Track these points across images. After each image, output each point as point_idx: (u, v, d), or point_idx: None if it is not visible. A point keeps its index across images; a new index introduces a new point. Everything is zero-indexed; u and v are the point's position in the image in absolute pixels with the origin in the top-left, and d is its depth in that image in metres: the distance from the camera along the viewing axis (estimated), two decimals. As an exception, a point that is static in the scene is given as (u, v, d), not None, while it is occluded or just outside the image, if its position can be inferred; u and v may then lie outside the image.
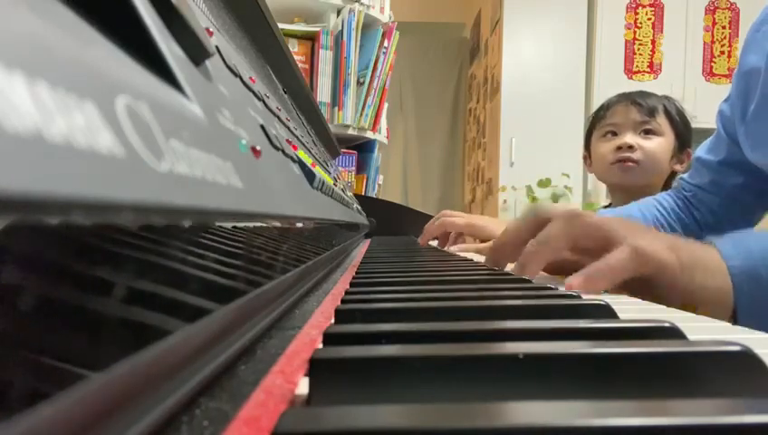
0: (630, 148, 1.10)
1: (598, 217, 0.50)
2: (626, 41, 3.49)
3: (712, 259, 0.49)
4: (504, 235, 0.57)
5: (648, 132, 1.11)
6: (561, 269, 0.57)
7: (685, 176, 1.03)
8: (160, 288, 0.14)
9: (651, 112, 1.11)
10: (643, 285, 0.46)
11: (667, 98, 1.16)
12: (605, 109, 1.18)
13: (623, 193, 1.15)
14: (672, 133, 1.13)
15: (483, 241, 0.98)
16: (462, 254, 0.85)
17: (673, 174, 1.15)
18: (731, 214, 0.92)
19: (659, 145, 1.11)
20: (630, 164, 1.11)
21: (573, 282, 0.43)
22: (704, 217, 0.95)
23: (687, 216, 0.97)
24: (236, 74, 0.32)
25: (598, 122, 1.19)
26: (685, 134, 1.14)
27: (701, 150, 0.97)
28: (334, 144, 1.56)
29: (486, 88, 4.03)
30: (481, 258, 0.83)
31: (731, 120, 0.86)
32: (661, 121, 1.12)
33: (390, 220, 1.64)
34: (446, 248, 1.00)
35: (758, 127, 0.77)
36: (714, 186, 0.93)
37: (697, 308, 0.49)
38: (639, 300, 0.40)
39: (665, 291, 0.47)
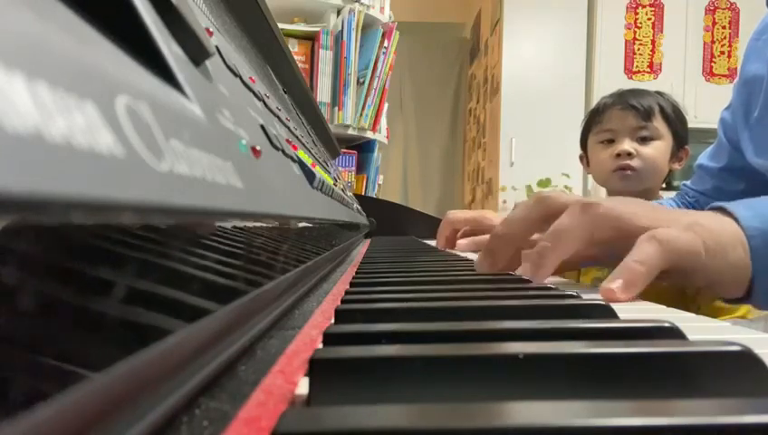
0: (629, 155, 1.10)
1: (614, 204, 0.45)
2: (626, 41, 3.49)
3: (726, 230, 0.44)
4: (505, 227, 0.49)
5: (645, 139, 1.11)
6: (564, 264, 0.50)
7: (688, 182, 1.04)
8: (160, 288, 0.14)
9: (648, 116, 1.11)
10: (662, 272, 0.41)
11: (660, 94, 1.16)
12: (600, 112, 1.17)
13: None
14: (669, 134, 1.13)
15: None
16: (462, 253, 0.85)
17: (670, 172, 1.16)
18: None
19: (657, 149, 1.11)
20: (629, 172, 1.11)
21: (614, 289, 0.38)
22: None
23: None
24: (236, 74, 0.32)
25: (594, 126, 1.18)
26: (681, 132, 1.14)
27: (703, 157, 0.98)
28: (334, 144, 1.56)
29: (486, 88, 4.03)
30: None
31: (732, 127, 0.87)
32: (658, 124, 1.12)
33: (390, 220, 1.64)
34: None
35: (762, 131, 0.78)
36: (716, 192, 0.94)
37: (714, 288, 0.46)
38: (639, 300, 0.40)
39: (686, 276, 0.43)
